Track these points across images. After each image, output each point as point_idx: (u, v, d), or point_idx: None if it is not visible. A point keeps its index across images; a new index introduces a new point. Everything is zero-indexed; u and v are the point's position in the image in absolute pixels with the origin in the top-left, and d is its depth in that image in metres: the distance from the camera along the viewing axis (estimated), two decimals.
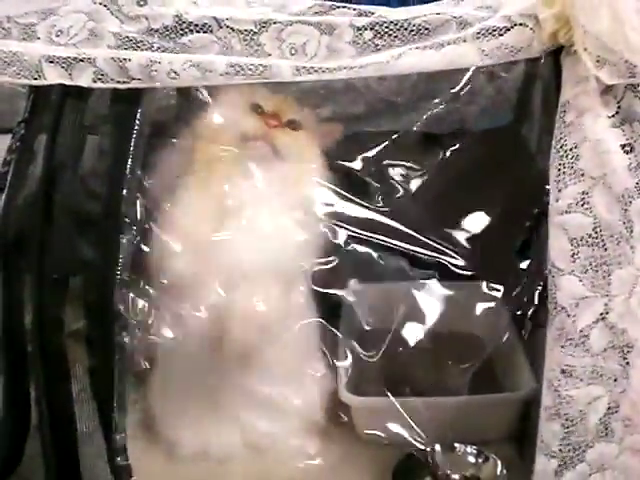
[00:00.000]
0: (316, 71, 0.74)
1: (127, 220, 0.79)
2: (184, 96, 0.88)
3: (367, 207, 0.86)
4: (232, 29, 0.74)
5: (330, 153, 0.90)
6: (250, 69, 0.74)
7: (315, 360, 0.95)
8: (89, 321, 0.81)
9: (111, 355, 0.80)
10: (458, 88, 0.80)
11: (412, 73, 0.76)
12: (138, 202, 0.81)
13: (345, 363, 0.95)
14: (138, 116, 0.78)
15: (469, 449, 0.91)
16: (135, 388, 0.84)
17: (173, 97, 0.90)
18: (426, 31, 0.73)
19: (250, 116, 0.89)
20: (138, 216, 0.81)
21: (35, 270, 0.80)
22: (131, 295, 0.81)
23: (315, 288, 0.91)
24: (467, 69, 0.77)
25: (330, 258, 0.89)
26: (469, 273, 0.85)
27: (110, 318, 0.79)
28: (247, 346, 0.86)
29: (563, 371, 0.73)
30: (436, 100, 0.83)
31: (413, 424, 0.88)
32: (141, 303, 0.83)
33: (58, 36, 0.75)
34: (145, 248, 0.83)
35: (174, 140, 0.88)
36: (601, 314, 0.71)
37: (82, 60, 0.75)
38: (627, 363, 0.72)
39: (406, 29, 0.73)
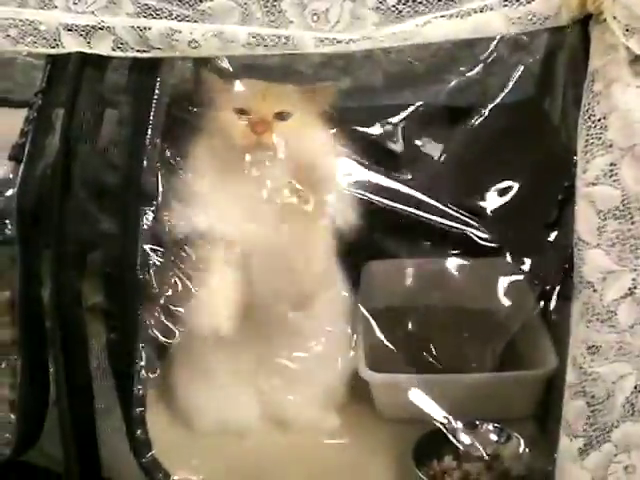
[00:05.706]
0: (339, 42, 0.73)
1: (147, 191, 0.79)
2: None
3: (391, 178, 0.85)
4: None
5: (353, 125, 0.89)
6: (272, 40, 0.73)
7: (340, 333, 0.94)
8: (109, 295, 0.80)
9: (132, 328, 0.80)
10: (482, 58, 0.78)
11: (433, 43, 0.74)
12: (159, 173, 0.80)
13: (365, 340, 0.95)
14: (157, 85, 0.77)
15: (491, 427, 0.90)
16: (154, 361, 0.83)
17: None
18: None
19: (238, 125, 0.87)
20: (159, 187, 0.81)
21: (53, 243, 0.80)
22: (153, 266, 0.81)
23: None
24: (492, 38, 0.75)
25: (352, 233, 0.88)
26: (494, 246, 0.84)
27: (132, 291, 0.79)
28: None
29: (589, 348, 0.72)
30: (459, 71, 0.81)
31: (434, 401, 0.87)
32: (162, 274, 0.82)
33: (76, 4, 0.75)
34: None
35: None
36: (629, 289, 0.70)
37: (101, 28, 0.75)
38: None
39: None
